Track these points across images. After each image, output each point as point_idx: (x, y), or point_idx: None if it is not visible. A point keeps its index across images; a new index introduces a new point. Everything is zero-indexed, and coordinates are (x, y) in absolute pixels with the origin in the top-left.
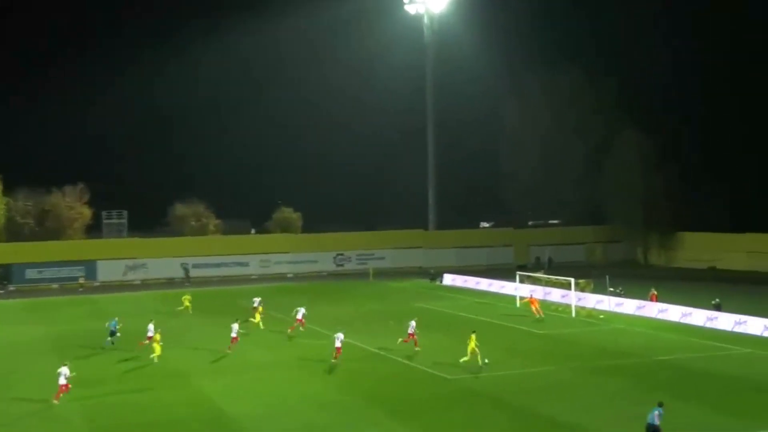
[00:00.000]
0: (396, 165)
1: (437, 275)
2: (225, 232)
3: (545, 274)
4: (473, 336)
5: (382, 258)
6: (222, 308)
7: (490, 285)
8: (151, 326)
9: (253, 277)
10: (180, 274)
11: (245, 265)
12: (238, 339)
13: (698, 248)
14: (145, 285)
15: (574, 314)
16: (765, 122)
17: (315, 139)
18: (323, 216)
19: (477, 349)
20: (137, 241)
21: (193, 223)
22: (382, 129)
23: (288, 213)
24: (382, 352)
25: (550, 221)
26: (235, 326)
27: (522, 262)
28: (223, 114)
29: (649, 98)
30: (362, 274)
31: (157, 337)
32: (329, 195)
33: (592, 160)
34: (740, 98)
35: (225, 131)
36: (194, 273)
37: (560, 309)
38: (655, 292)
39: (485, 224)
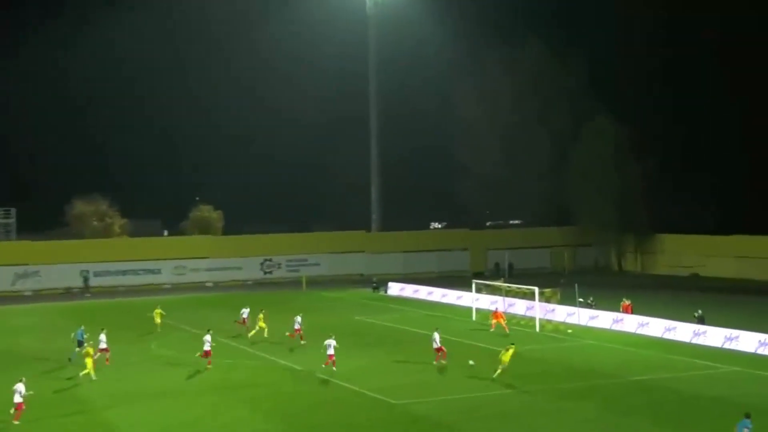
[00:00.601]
0: (334, 157)
1: (381, 284)
2: (132, 234)
3: (505, 282)
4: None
5: (317, 264)
6: (129, 323)
7: (443, 296)
8: (103, 336)
9: (165, 286)
10: (79, 283)
11: (156, 272)
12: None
13: (680, 252)
14: (39, 296)
15: (538, 328)
16: (756, 107)
17: (240, 126)
18: (248, 215)
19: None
20: (28, 245)
21: (95, 223)
22: (319, 116)
23: (207, 212)
24: (318, 374)
25: (511, 221)
26: (208, 337)
27: (479, 268)
28: (135, 97)
29: (624, 80)
30: (294, 283)
31: (90, 350)
32: (255, 191)
33: (559, 151)
34: (729, 78)
35: (135, 117)
36: (96, 282)
37: (522, 322)
38: (629, 303)
39: (437, 225)
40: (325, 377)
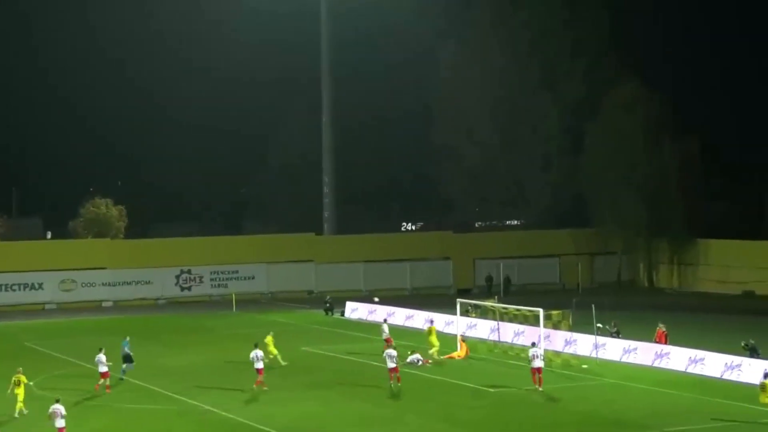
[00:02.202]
0: (273, 136)
1: (335, 304)
2: (5, 237)
3: (500, 301)
4: None
5: (252, 277)
6: (2, 356)
7: (415, 319)
8: (102, 356)
9: (48, 306)
10: None
11: (36, 288)
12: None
13: (729, 264)
14: None
15: (543, 363)
16: None
17: (147, 92)
18: (159, 212)
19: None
20: None
21: None
22: (253, 81)
23: (104, 207)
24: (254, 424)
25: (508, 222)
26: (259, 353)
27: (466, 284)
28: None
29: (656, 33)
30: (221, 303)
31: (23, 378)
32: (169, 180)
33: (570, 129)
34: None
35: (7, 77)
36: None
37: (522, 355)
38: (664, 329)
39: (410, 226)
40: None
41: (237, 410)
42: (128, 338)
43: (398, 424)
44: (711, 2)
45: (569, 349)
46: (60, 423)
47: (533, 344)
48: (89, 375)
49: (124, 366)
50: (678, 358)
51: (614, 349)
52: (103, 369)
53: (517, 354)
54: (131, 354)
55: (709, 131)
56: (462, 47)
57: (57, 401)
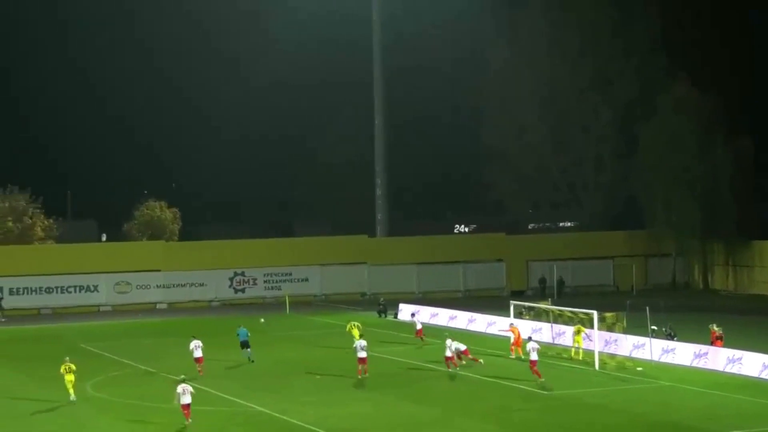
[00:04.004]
0: (324, 138)
1: (389, 307)
2: (61, 240)
3: (553, 303)
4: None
5: (305, 279)
6: (55, 357)
7: (471, 321)
8: (197, 342)
9: (103, 308)
10: None
11: (91, 290)
12: None
13: None
14: None
15: (597, 365)
16: None
17: (197, 99)
18: (213, 214)
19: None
20: None
21: (9, 224)
22: (302, 81)
23: (158, 210)
24: (307, 425)
25: (561, 224)
26: (453, 344)
27: (519, 285)
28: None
29: (708, 34)
30: (274, 305)
31: (72, 366)
32: (222, 183)
33: (624, 130)
34: None
35: (65, 87)
36: (11, 302)
37: (576, 357)
38: (718, 331)
39: (463, 229)
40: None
41: (290, 412)
42: (242, 326)
43: (448, 427)
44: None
45: (623, 351)
46: (187, 399)
47: (529, 339)
48: (144, 376)
49: (248, 351)
50: (750, 363)
51: (675, 350)
52: (198, 354)
53: (570, 356)
54: (247, 340)
55: (762, 131)
56: (512, 48)
57: (184, 380)
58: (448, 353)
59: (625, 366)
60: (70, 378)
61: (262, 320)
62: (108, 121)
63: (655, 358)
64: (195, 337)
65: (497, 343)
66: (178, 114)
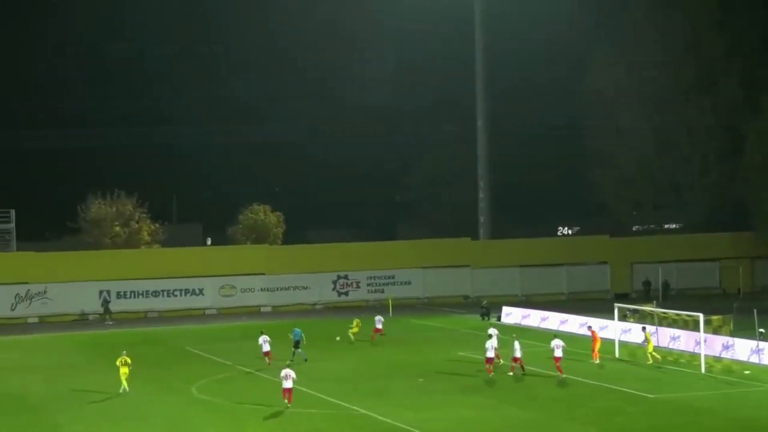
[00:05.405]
0: (425, 141)
1: (492, 309)
2: (166, 244)
3: (658, 306)
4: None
5: (408, 282)
6: (162, 360)
7: (581, 325)
8: (265, 337)
9: (209, 311)
10: (97, 307)
11: (197, 293)
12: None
13: None
14: (46, 326)
15: (704, 369)
16: None
17: (298, 99)
18: (316, 218)
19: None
20: (32, 257)
21: (117, 228)
22: (402, 86)
23: (262, 214)
24: (409, 428)
25: (666, 226)
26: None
27: (623, 288)
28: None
29: None
30: (377, 308)
31: (128, 360)
32: (325, 187)
33: (729, 130)
34: None
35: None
36: (118, 306)
37: (682, 360)
38: None
39: (565, 230)
40: None
41: (392, 415)
42: (296, 328)
43: (550, 430)
44: None
45: (730, 355)
46: (289, 384)
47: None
48: (249, 379)
49: (299, 351)
50: None
51: None
52: (267, 348)
53: (676, 359)
54: (299, 341)
55: None
56: (615, 49)
57: (288, 366)
58: (490, 354)
59: (732, 370)
60: (125, 371)
61: (338, 338)
62: (215, 125)
63: (764, 361)
64: (263, 332)
65: (603, 346)
66: (281, 119)
